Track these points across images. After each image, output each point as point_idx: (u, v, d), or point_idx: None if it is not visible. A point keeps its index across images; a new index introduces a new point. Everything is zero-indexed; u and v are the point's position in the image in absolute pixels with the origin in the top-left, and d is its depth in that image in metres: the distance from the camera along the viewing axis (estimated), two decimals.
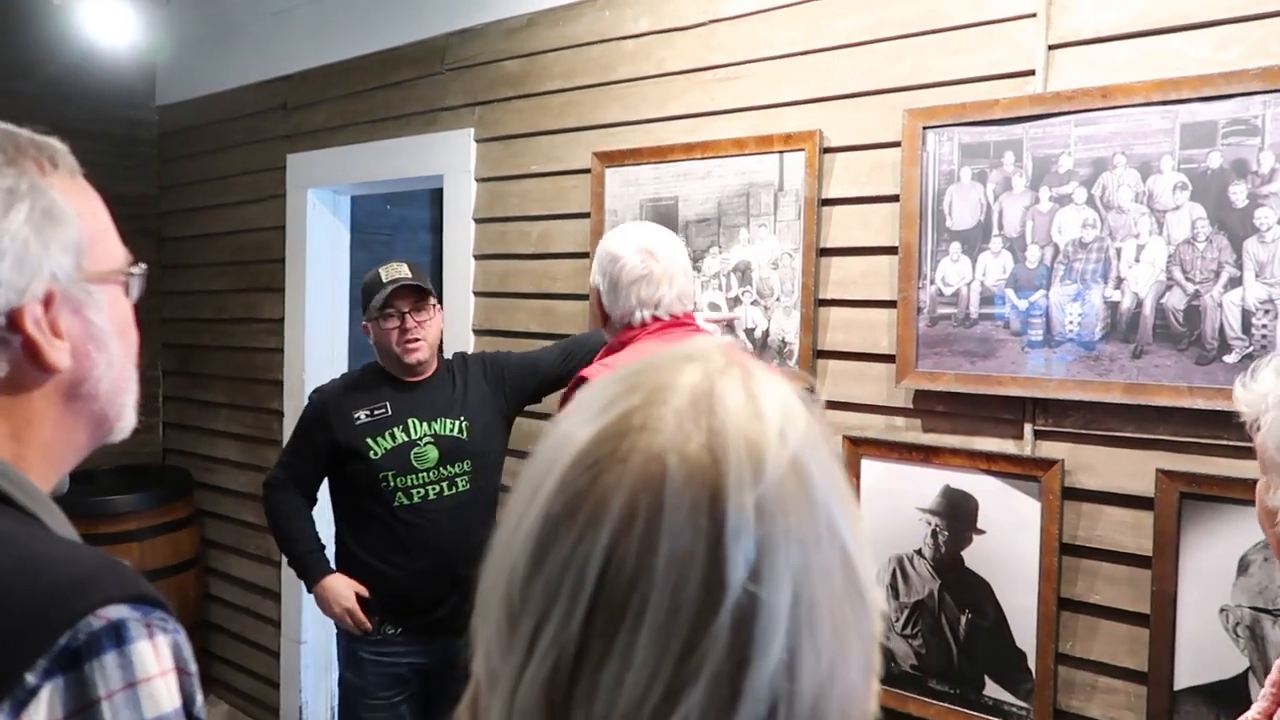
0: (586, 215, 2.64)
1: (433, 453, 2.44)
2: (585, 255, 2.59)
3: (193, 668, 0.69)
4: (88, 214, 0.79)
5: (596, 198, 2.60)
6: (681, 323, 1.93)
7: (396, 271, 2.48)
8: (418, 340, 2.46)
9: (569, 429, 0.52)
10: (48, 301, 0.74)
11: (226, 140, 3.97)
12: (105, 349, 0.79)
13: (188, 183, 4.19)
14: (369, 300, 2.46)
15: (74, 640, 0.62)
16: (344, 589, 2.43)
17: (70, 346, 0.76)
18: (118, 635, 0.63)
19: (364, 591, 2.44)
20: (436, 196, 3.60)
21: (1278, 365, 1.19)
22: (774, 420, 0.50)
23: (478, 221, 2.98)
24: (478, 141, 2.96)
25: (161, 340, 4.36)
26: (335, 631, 2.62)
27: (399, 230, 4.76)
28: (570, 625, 0.47)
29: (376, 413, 2.47)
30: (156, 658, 0.65)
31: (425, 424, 2.46)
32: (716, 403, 0.50)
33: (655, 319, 1.90)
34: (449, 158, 3.04)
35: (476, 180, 2.98)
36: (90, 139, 4.20)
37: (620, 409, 0.50)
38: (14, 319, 0.72)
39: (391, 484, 2.42)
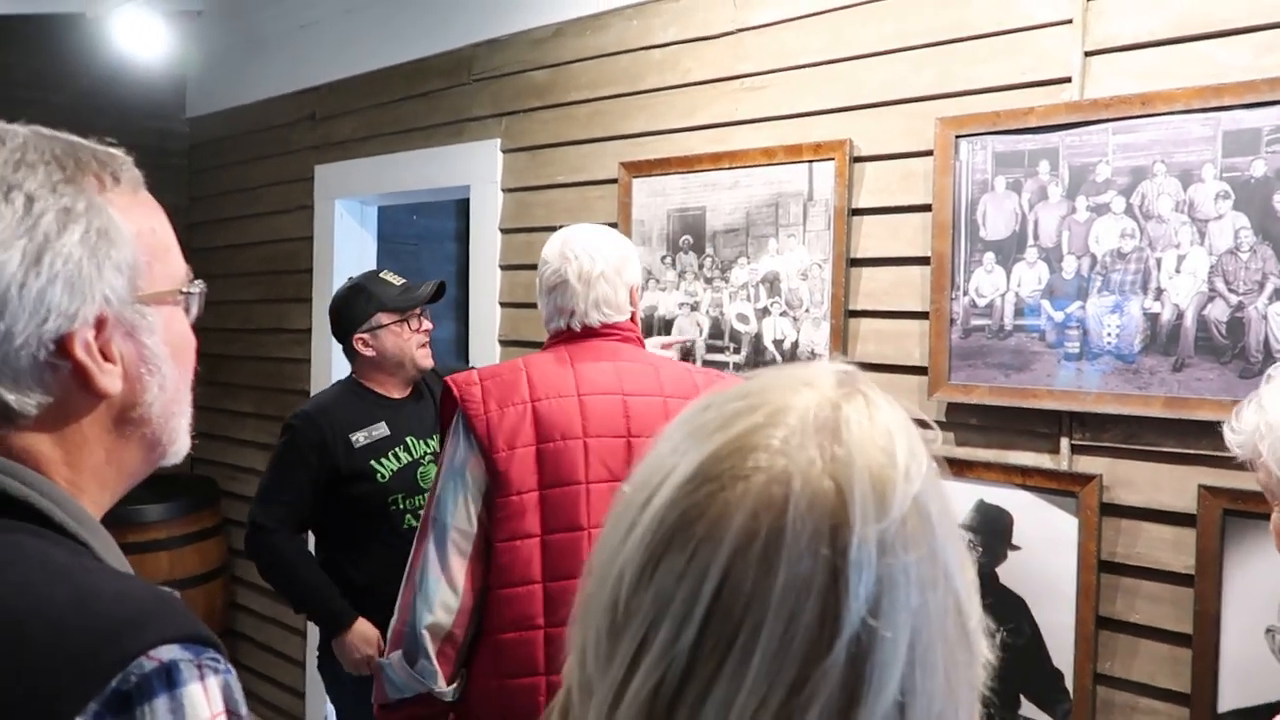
0: (614, 226, 2.62)
1: (434, 470, 2.41)
2: None
3: (243, 710, 0.67)
4: (146, 231, 0.77)
5: (623, 208, 2.59)
6: (595, 334, 1.78)
7: (399, 278, 2.46)
8: (429, 347, 2.46)
9: (681, 443, 0.51)
10: (99, 325, 0.72)
11: (256, 151, 3.99)
12: (158, 372, 0.76)
13: (218, 194, 4.22)
14: (380, 306, 2.41)
15: (125, 683, 0.60)
16: (371, 635, 2.32)
17: (121, 370, 0.74)
18: (169, 678, 0.62)
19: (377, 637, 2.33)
20: (462, 207, 3.60)
21: (1258, 401, 1.20)
22: (900, 456, 0.49)
23: (504, 232, 2.97)
24: (504, 152, 2.96)
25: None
26: (320, 662, 2.51)
27: (424, 240, 4.77)
28: (680, 641, 0.45)
29: (375, 433, 2.40)
30: (207, 701, 0.64)
31: (422, 441, 2.43)
32: (842, 429, 0.49)
33: (568, 329, 1.79)
34: (476, 168, 3.04)
35: (503, 190, 2.97)
36: (123, 149, 4.24)
37: (742, 426, 0.49)
38: (64, 345, 0.70)
39: (401, 506, 2.36)
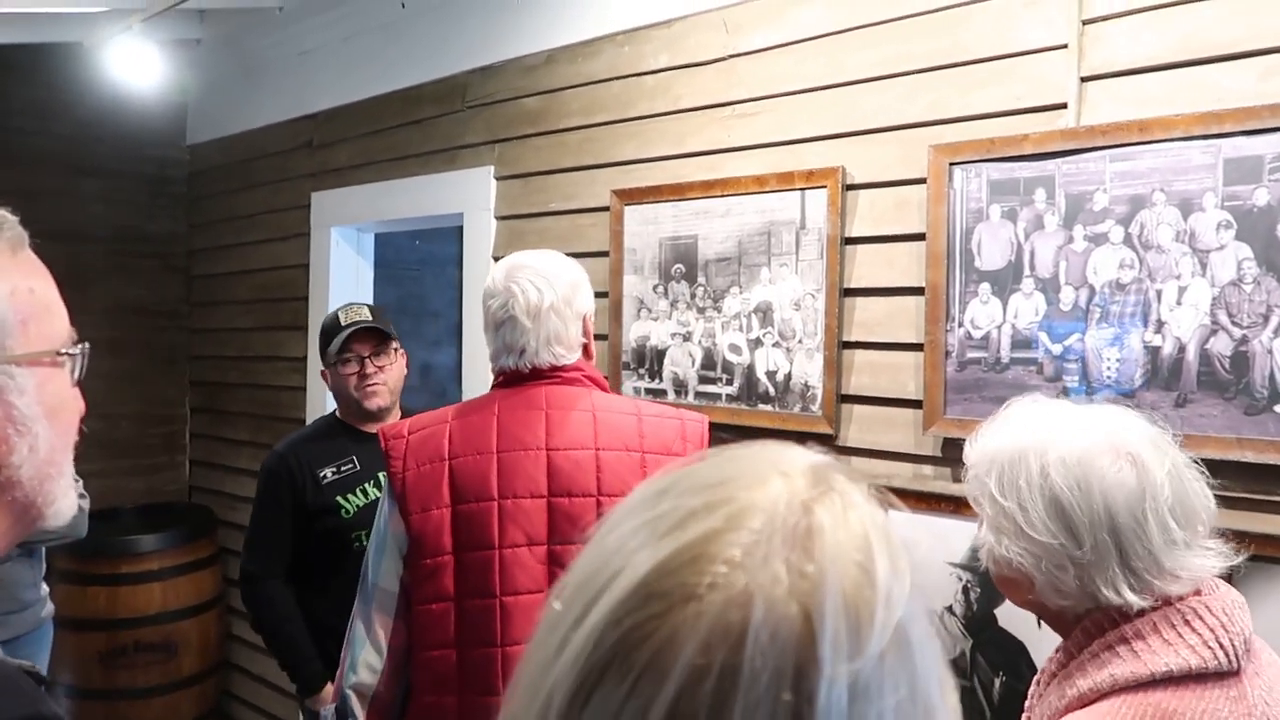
0: (605, 254, 2.58)
1: None
2: (604, 295, 2.52)
3: None
4: (22, 290, 0.74)
5: (615, 236, 2.55)
6: (540, 379, 1.65)
7: (356, 314, 2.41)
8: (376, 385, 2.38)
9: (628, 541, 0.44)
10: None
11: (253, 179, 3.98)
12: (28, 433, 0.73)
13: (216, 221, 4.21)
14: (324, 344, 2.38)
15: None
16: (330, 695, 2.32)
17: None
18: None
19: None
20: (463, 232, 3.57)
21: (989, 431, 1.18)
22: (880, 574, 0.42)
23: (497, 259, 2.93)
24: (497, 179, 2.93)
25: (189, 377, 4.37)
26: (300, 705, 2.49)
27: (427, 265, 4.75)
28: None
29: (344, 468, 2.36)
30: None
31: None
32: (814, 540, 0.42)
33: (515, 370, 1.66)
34: (469, 195, 3.01)
35: (496, 218, 2.94)
36: (122, 178, 4.25)
37: (700, 530, 0.42)
38: None
39: (364, 543, 2.30)
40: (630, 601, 0.41)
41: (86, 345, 0.79)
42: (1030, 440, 1.11)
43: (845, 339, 2.12)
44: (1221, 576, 1.10)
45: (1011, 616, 1.87)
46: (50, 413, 0.75)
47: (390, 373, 2.41)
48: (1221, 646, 1.01)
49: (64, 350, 0.77)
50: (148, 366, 4.25)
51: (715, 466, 0.47)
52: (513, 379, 1.67)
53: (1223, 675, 1.01)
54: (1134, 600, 1.04)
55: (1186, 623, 1.03)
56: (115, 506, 3.96)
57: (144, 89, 3.69)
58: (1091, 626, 1.08)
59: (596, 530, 0.47)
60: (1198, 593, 1.07)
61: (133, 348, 4.17)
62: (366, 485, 2.36)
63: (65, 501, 0.77)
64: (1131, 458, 1.07)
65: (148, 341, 4.26)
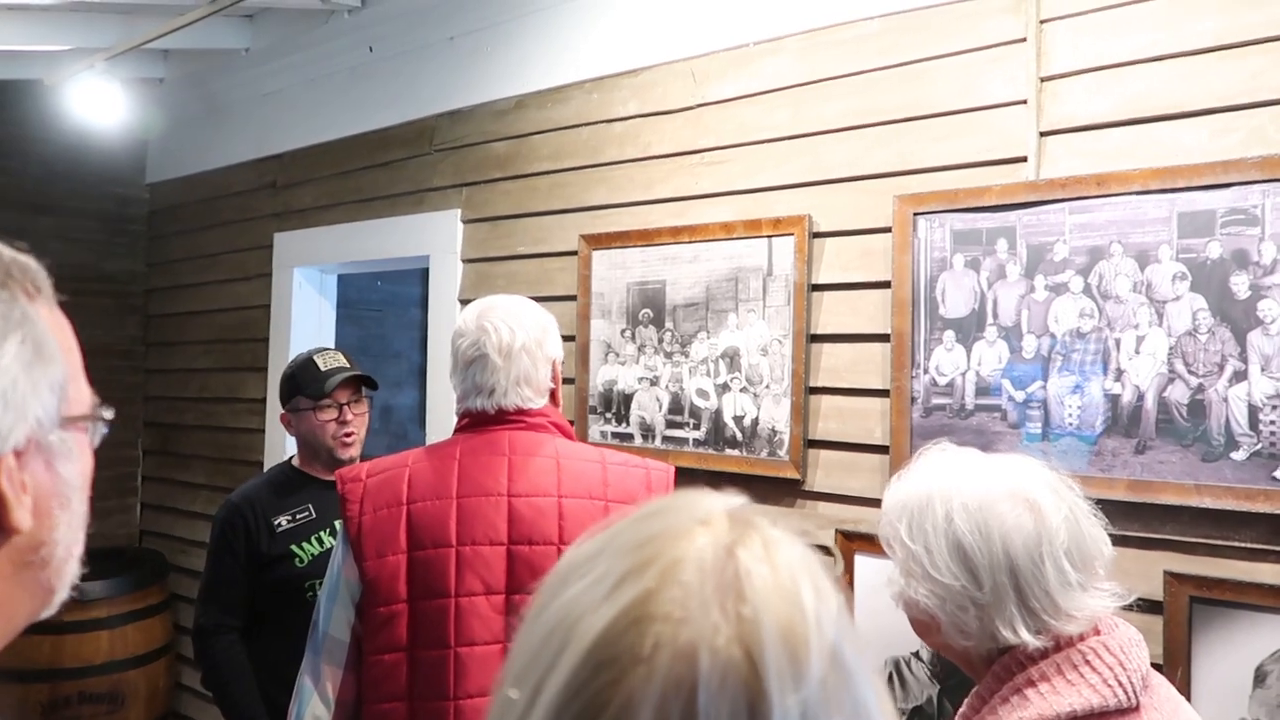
0: (573, 298, 2.59)
1: None
2: (572, 339, 2.53)
3: None
4: (67, 348, 0.67)
5: (583, 280, 2.56)
6: (506, 423, 1.61)
7: (335, 360, 2.38)
8: (353, 434, 2.36)
9: (568, 610, 0.44)
10: (20, 450, 0.61)
11: (215, 218, 3.94)
12: (68, 506, 0.66)
13: (175, 260, 4.16)
14: (298, 388, 2.35)
15: None
16: None
17: (32, 503, 0.62)
18: None
19: None
20: (428, 274, 3.56)
21: (903, 478, 1.22)
22: (809, 603, 0.44)
23: (464, 302, 2.93)
24: (465, 222, 2.93)
25: (144, 418, 4.28)
26: None
27: (390, 306, 4.72)
28: None
29: (299, 517, 2.33)
30: None
31: None
32: (744, 584, 0.44)
33: (481, 411, 1.63)
34: (435, 238, 3.01)
35: (463, 261, 2.94)
36: (80, 216, 4.20)
37: (634, 593, 0.43)
38: None
39: (318, 592, 2.29)
40: (581, 673, 0.42)
41: (112, 412, 0.71)
42: (937, 487, 1.16)
43: (812, 384, 2.14)
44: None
45: None
46: (83, 486, 0.68)
47: (362, 421, 2.40)
48: (1120, 684, 1.05)
49: (99, 415, 0.70)
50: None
51: (639, 525, 0.48)
52: (478, 421, 1.63)
53: (1124, 711, 1.05)
54: (1030, 640, 1.08)
55: (1087, 663, 1.07)
56: None
57: (105, 127, 3.66)
58: (1000, 671, 1.11)
59: (534, 603, 0.48)
60: (1097, 631, 1.11)
61: None
62: (322, 533, 2.31)
63: (68, 588, 0.69)
64: (1029, 503, 1.12)
65: (101, 381, 4.05)
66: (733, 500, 0.50)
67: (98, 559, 3.94)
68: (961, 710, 1.21)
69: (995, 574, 1.09)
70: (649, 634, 0.42)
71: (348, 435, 2.33)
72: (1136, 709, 1.05)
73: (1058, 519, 1.11)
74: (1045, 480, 1.15)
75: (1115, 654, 1.08)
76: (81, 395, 0.69)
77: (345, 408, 2.34)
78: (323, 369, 2.34)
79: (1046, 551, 1.09)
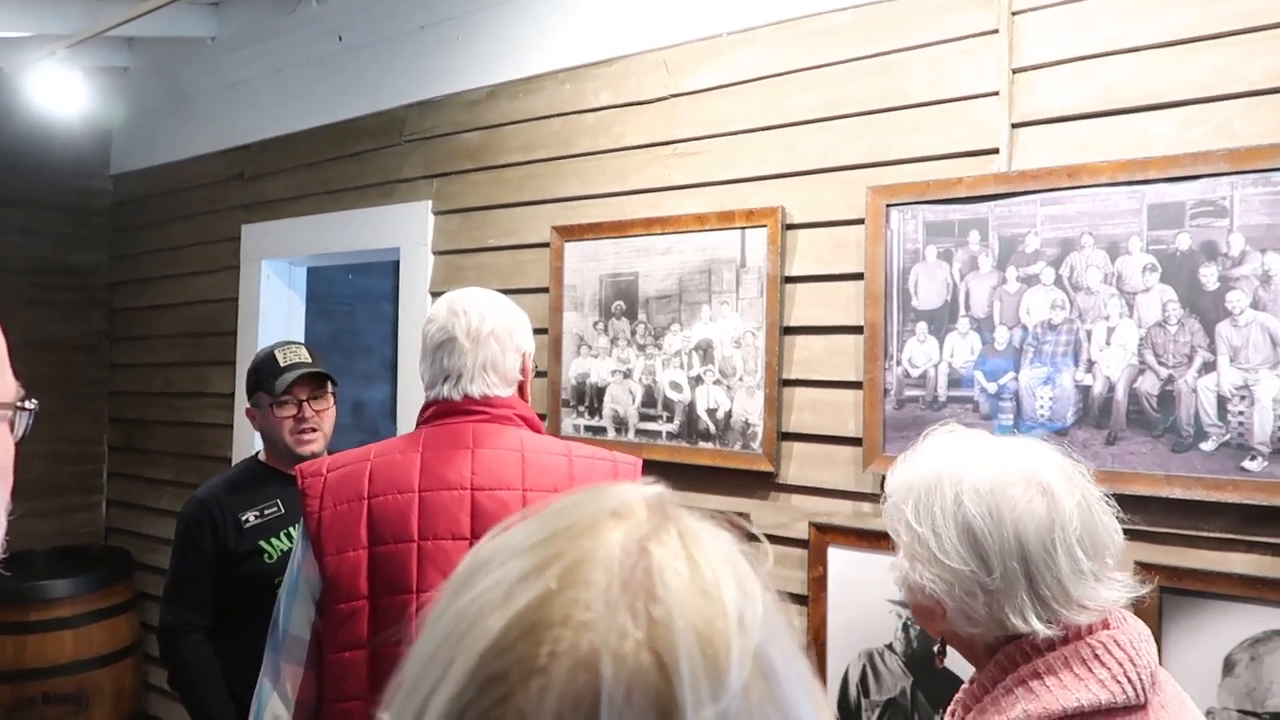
0: (545, 290, 2.56)
1: None
2: (544, 331, 2.50)
3: None
4: None
5: (555, 272, 2.53)
6: (471, 413, 1.59)
7: (295, 355, 2.34)
8: (314, 431, 2.32)
9: (455, 624, 0.40)
10: None
11: (182, 210, 3.88)
12: None
13: (141, 252, 4.08)
14: (259, 384, 2.32)
15: None
16: None
17: None
18: None
19: None
20: (400, 266, 3.52)
21: (907, 460, 1.20)
22: (730, 602, 0.39)
23: (435, 295, 2.89)
24: (435, 214, 2.90)
25: (109, 414, 4.21)
26: None
27: (360, 300, 4.67)
28: None
29: (268, 512, 2.30)
30: None
31: None
32: (656, 582, 0.39)
33: (447, 400, 1.60)
34: (406, 230, 2.97)
35: (434, 253, 2.90)
36: (43, 208, 4.11)
37: (531, 594, 0.39)
38: None
39: None
40: (466, 693, 0.37)
41: (35, 403, 0.72)
42: (946, 469, 1.12)
43: (785, 377, 2.14)
44: (1133, 606, 1.12)
45: (952, 654, 1.88)
46: (7, 471, 0.69)
47: (326, 418, 2.36)
48: (1130, 681, 1.02)
49: (21, 404, 0.70)
50: (64, 403, 4.07)
51: (541, 522, 0.44)
52: (442, 412, 1.61)
53: (1130, 709, 1.02)
54: (1040, 629, 1.05)
55: (1096, 657, 1.04)
56: (25, 550, 3.77)
57: (67, 117, 3.58)
58: (1005, 660, 1.08)
59: (432, 608, 0.43)
60: (1106, 625, 1.08)
61: (48, 383, 3.99)
62: (291, 529, 2.28)
63: None
64: (1042, 488, 1.08)
65: (65, 377, 4.09)
66: (651, 489, 0.46)
67: (62, 557, 3.89)
68: (958, 697, 1.18)
69: (1006, 560, 1.05)
70: (544, 641, 0.37)
71: (305, 432, 2.30)
72: (1144, 707, 1.03)
73: (1071, 505, 1.07)
74: (1058, 465, 1.12)
75: (1125, 649, 1.05)
76: (6, 385, 0.68)
77: (305, 404, 2.30)
78: (282, 364, 2.31)
79: (1059, 538, 1.06)
